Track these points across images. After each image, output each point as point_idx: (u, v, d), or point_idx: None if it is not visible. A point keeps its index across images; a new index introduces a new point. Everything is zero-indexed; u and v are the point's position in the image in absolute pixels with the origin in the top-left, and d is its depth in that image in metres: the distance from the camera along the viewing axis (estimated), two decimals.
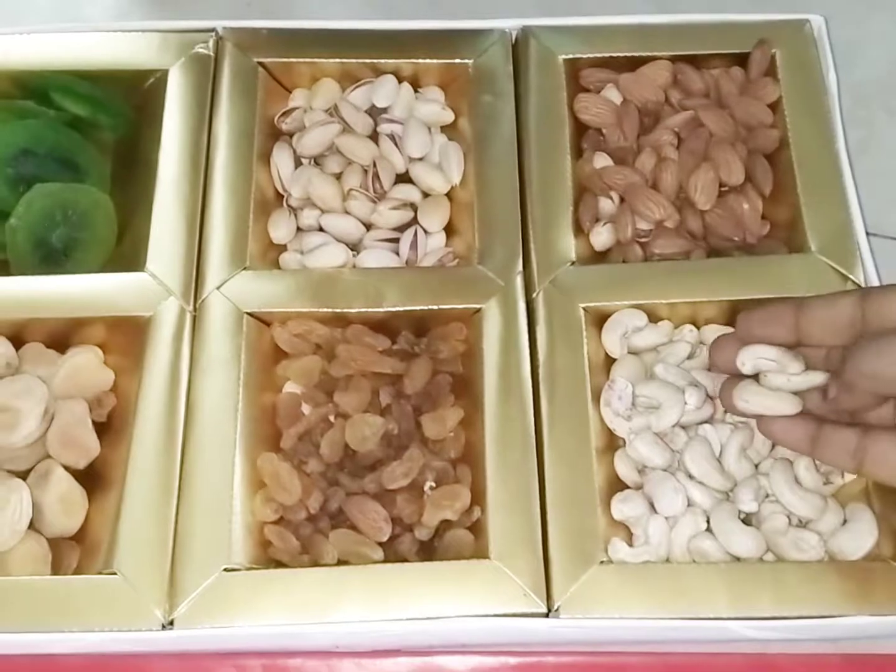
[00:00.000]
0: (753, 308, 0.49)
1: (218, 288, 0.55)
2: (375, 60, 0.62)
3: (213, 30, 0.63)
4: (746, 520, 0.50)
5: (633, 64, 0.62)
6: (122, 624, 0.47)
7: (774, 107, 0.61)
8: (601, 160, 0.59)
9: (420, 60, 0.62)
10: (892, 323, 0.43)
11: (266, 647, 0.50)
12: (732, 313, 0.55)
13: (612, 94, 0.62)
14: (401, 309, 0.55)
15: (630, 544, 0.50)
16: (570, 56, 0.62)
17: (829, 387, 0.46)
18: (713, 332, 0.55)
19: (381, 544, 0.50)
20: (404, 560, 0.50)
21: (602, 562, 0.48)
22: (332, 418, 0.53)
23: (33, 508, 0.50)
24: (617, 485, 0.52)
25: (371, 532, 0.50)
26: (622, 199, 0.58)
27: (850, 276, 0.55)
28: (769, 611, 0.47)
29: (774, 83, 0.61)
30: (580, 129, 0.61)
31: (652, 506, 0.50)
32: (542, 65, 0.62)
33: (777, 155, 0.60)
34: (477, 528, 0.50)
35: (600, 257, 0.58)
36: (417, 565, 0.49)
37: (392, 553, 0.50)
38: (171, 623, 0.47)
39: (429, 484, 0.51)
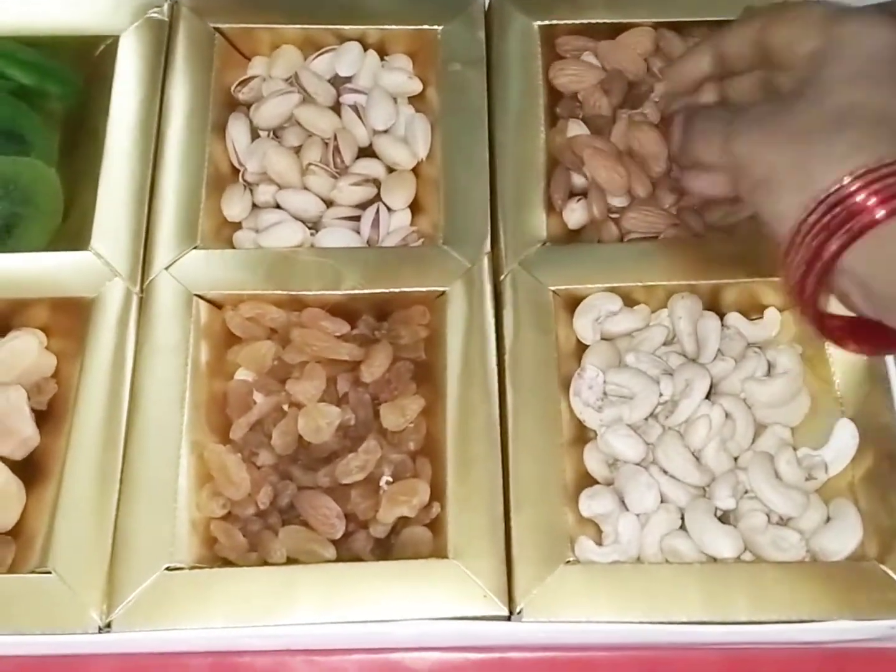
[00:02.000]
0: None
1: (166, 268, 0.52)
2: (339, 26, 0.59)
3: None
4: (723, 517, 0.48)
5: (613, 31, 0.59)
6: (57, 626, 0.45)
7: None
8: (576, 128, 0.56)
9: (386, 27, 0.59)
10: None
11: (212, 648, 0.47)
12: (713, 296, 0.52)
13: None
14: (361, 292, 0.52)
15: (599, 543, 0.47)
16: (546, 23, 0.59)
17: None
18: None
19: (334, 542, 0.47)
20: (358, 559, 0.47)
21: (569, 561, 0.45)
22: (285, 407, 0.50)
23: None
24: (586, 480, 0.49)
25: (323, 529, 0.47)
26: None
27: None
28: (745, 614, 0.45)
29: None
30: (556, 100, 0.58)
31: (623, 502, 0.48)
32: (515, 32, 0.58)
33: None
34: (436, 526, 0.47)
35: (574, 236, 0.55)
36: (372, 565, 0.46)
37: (346, 551, 0.47)
38: (109, 625, 0.45)
39: (385, 478, 0.48)
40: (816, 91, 0.39)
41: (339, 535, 0.47)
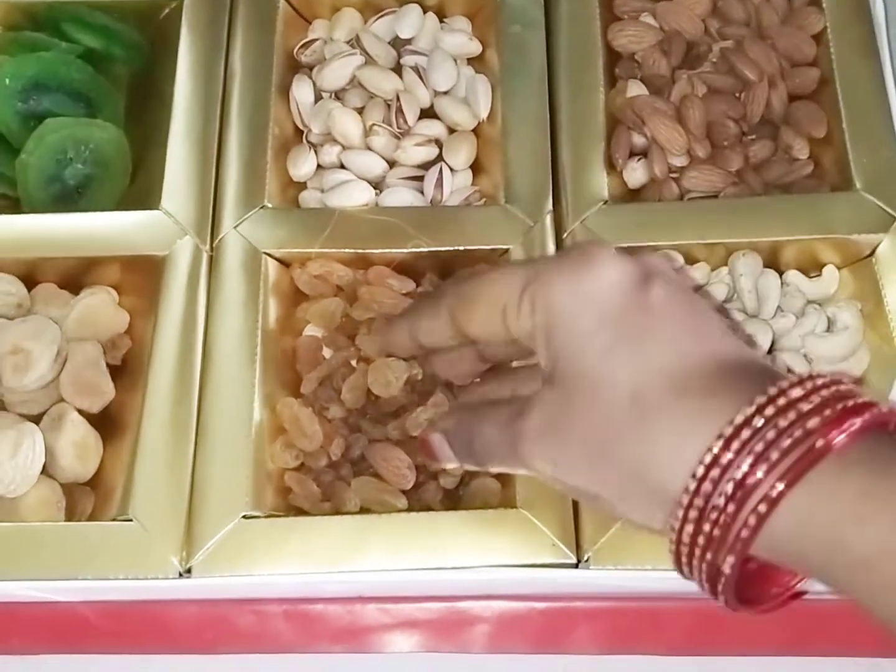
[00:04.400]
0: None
1: (235, 227, 0.53)
2: None
3: None
4: None
5: None
6: (139, 572, 0.46)
7: (818, 38, 0.58)
8: (635, 89, 0.57)
9: None
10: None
11: (287, 594, 0.48)
12: (773, 254, 0.52)
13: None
14: (425, 250, 0.52)
15: None
16: None
17: None
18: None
19: (404, 492, 0.48)
20: (429, 508, 0.48)
21: None
22: (353, 363, 0.51)
23: (46, 453, 0.48)
24: None
25: (394, 480, 0.48)
26: None
27: None
28: None
29: (819, 12, 0.58)
30: (614, 60, 0.58)
31: None
32: None
33: (819, 92, 0.57)
34: (504, 477, 0.48)
35: (634, 195, 0.56)
36: (442, 514, 0.47)
37: (416, 501, 0.48)
38: (189, 571, 0.46)
39: None
40: (582, 383, 0.31)
41: (409, 486, 0.48)
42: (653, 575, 0.45)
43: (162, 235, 0.53)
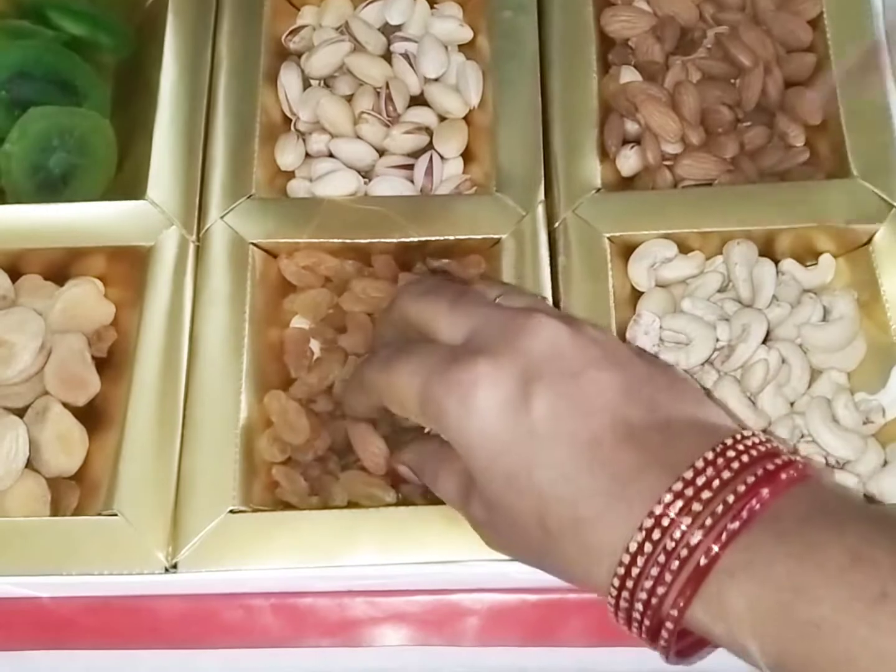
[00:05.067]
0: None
1: (222, 217, 0.52)
2: None
3: None
4: None
5: None
6: (124, 567, 0.45)
7: (815, 23, 0.57)
8: (628, 75, 0.56)
9: None
10: None
11: (274, 588, 0.48)
12: (768, 243, 0.52)
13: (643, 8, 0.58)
14: (415, 240, 0.51)
15: None
16: None
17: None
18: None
19: (393, 486, 0.47)
20: (412, 503, 0.47)
21: None
22: (342, 355, 0.50)
23: (31, 447, 0.48)
24: None
25: (369, 463, 0.47)
26: None
27: (894, 203, 0.51)
28: None
29: None
30: (607, 46, 0.57)
31: None
32: None
33: (815, 78, 0.56)
34: None
35: (628, 183, 0.55)
36: (432, 509, 0.46)
37: (399, 495, 0.48)
38: (175, 566, 0.45)
39: None
40: (498, 507, 0.35)
41: (381, 473, 0.47)
42: None
43: (148, 226, 0.52)
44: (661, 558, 0.30)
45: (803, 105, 0.55)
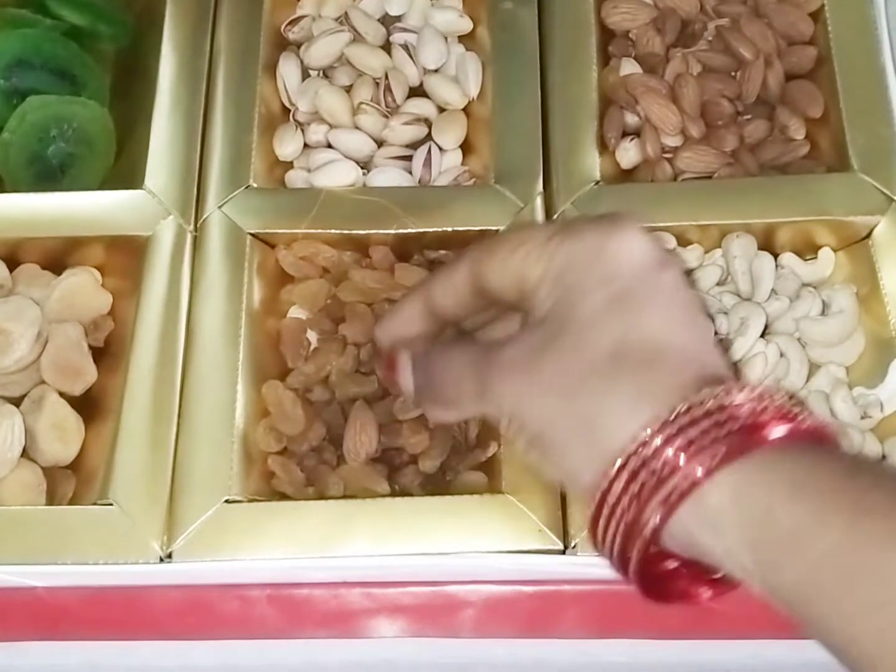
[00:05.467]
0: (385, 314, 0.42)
1: (220, 207, 0.52)
2: None
3: None
4: None
5: None
6: (119, 556, 0.45)
7: (816, 16, 0.57)
8: (629, 67, 0.56)
9: None
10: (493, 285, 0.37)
11: (270, 579, 0.48)
12: (768, 236, 0.51)
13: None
14: (413, 231, 0.51)
15: None
16: None
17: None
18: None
19: (387, 477, 0.47)
20: (408, 494, 0.47)
21: None
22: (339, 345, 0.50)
23: (26, 436, 0.48)
24: None
25: (352, 445, 0.47)
26: None
27: (894, 197, 0.51)
28: None
29: None
30: (608, 38, 0.57)
31: None
32: None
33: (815, 71, 0.56)
34: (491, 463, 0.47)
35: (627, 176, 0.55)
36: (428, 499, 0.47)
37: (394, 484, 0.48)
38: (170, 556, 0.45)
39: None
40: (572, 326, 0.33)
41: (358, 461, 0.47)
42: None
43: (145, 215, 0.52)
44: (656, 464, 0.30)
45: (804, 98, 0.55)
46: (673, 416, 0.30)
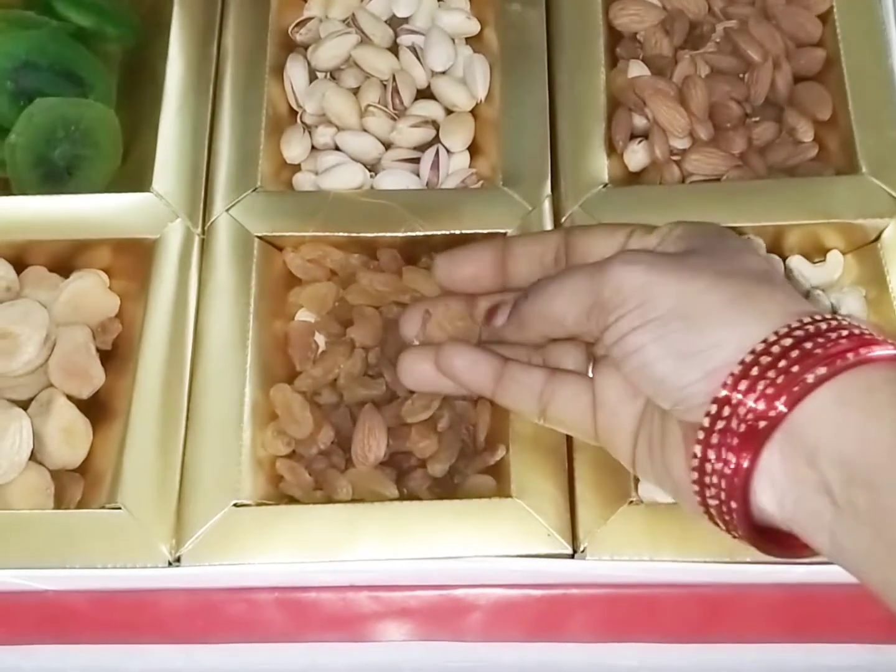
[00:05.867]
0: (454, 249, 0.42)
1: (227, 210, 0.52)
2: None
3: None
4: None
5: None
6: (127, 560, 0.45)
7: (824, 18, 0.57)
8: (636, 69, 0.55)
9: None
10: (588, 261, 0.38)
11: (278, 582, 0.48)
12: (776, 239, 0.51)
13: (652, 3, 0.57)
14: (421, 234, 0.51)
15: None
16: None
17: (499, 313, 0.40)
18: None
19: (395, 480, 0.47)
20: (416, 497, 0.47)
21: (632, 501, 0.46)
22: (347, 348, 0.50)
23: (34, 439, 0.48)
24: None
25: (359, 449, 0.47)
26: None
27: None
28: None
29: None
30: (615, 40, 0.57)
31: None
32: None
33: (824, 73, 0.56)
34: (500, 466, 0.47)
35: (635, 178, 0.54)
36: (436, 503, 0.47)
37: (403, 488, 0.48)
38: (178, 560, 0.45)
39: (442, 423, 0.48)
40: (711, 252, 0.36)
41: (368, 463, 0.47)
42: (650, 566, 0.45)
43: (153, 218, 0.52)
44: (778, 367, 0.31)
45: (813, 100, 0.55)
46: (791, 329, 0.32)
